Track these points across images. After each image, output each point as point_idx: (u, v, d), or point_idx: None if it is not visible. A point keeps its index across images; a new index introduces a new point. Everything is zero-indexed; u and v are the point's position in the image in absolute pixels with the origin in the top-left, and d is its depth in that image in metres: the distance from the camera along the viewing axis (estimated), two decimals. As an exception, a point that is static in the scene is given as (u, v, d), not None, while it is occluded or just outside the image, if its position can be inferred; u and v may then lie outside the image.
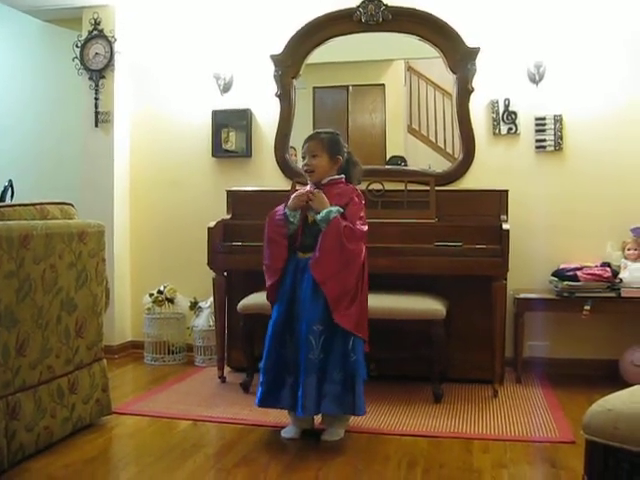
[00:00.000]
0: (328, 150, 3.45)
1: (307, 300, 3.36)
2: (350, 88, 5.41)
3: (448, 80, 5.01)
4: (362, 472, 3.06)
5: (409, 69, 5.28)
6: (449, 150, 5.12)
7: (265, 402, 3.47)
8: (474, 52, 4.81)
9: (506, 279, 4.27)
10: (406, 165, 5.14)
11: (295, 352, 3.37)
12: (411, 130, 5.28)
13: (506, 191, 4.61)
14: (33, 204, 3.37)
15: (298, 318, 3.39)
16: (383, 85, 5.36)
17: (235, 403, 4.05)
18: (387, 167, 5.11)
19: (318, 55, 5.15)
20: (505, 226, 4.27)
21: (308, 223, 3.46)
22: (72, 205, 3.66)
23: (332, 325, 3.33)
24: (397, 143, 5.31)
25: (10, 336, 3.00)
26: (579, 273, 4.43)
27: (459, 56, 4.85)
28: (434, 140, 5.21)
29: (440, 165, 5.05)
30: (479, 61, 4.84)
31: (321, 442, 3.40)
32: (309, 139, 3.51)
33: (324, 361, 3.33)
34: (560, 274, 4.52)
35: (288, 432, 3.50)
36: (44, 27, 5.91)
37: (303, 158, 3.51)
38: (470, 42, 4.82)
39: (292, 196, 3.48)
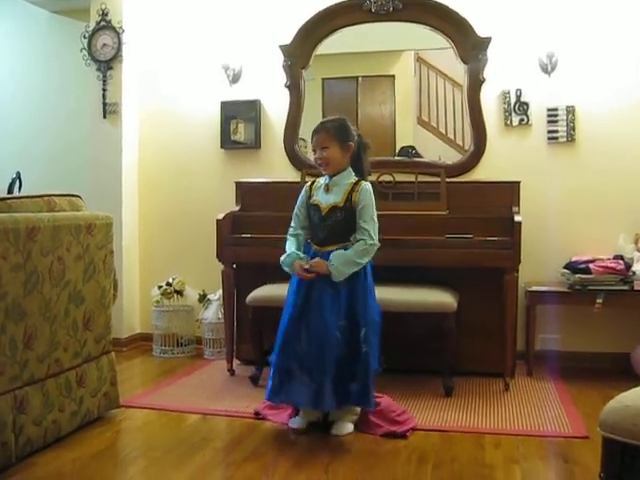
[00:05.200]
0: (338, 139, 3.39)
1: (327, 297, 3.33)
2: (359, 79, 5.36)
3: (458, 71, 4.96)
4: (372, 467, 3.02)
5: (419, 60, 5.23)
6: (459, 142, 5.07)
7: (276, 397, 3.44)
8: (485, 42, 4.76)
9: (518, 271, 4.23)
10: (417, 154, 5.08)
11: (309, 347, 3.33)
12: (421, 121, 5.23)
13: (518, 183, 4.57)
14: (40, 196, 3.34)
15: (316, 313, 3.34)
16: (393, 76, 5.32)
17: (244, 396, 4.02)
18: (397, 159, 5.06)
19: (327, 46, 5.11)
20: (517, 218, 4.22)
21: (321, 216, 3.42)
22: (80, 197, 3.63)
23: (351, 319, 3.32)
24: (407, 134, 5.26)
25: (18, 329, 2.98)
26: (591, 266, 4.38)
27: (470, 46, 4.79)
28: (444, 132, 5.16)
29: (450, 157, 5.00)
30: (490, 51, 4.78)
31: (331, 436, 3.38)
32: (316, 132, 3.46)
33: (347, 356, 3.31)
34: (572, 267, 4.47)
35: (295, 422, 3.47)
36: (52, 18, 5.89)
37: (314, 152, 3.46)
38: (481, 32, 4.76)
39: (293, 265, 3.41)
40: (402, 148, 5.16)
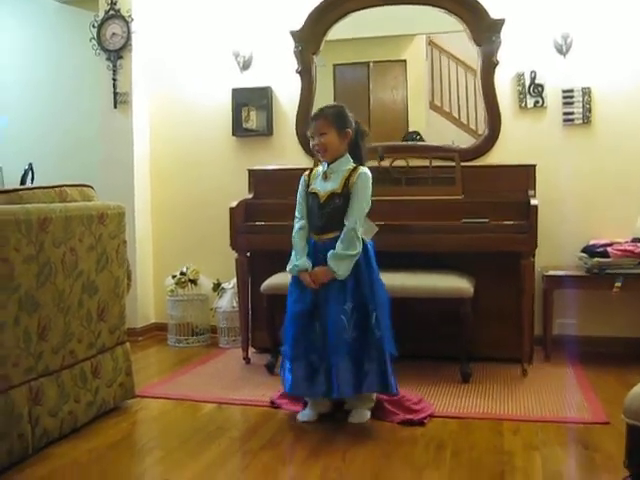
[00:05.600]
0: (336, 125, 3.37)
1: (334, 285, 3.31)
2: (371, 64, 5.31)
3: (471, 55, 4.89)
4: (389, 455, 3.00)
5: (430, 44, 5.17)
6: (472, 126, 5.01)
7: (297, 390, 3.42)
8: (499, 24, 4.69)
9: (534, 256, 4.18)
10: (422, 140, 5.03)
11: (323, 335, 3.31)
12: (433, 106, 5.17)
13: (534, 166, 4.52)
14: (52, 187, 3.32)
15: (325, 300, 3.33)
16: (404, 61, 5.26)
17: (260, 384, 4.01)
18: (411, 143, 5.01)
19: (338, 31, 5.06)
20: (533, 201, 4.17)
21: (320, 204, 3.39)
22: (92, 187, 3.62)
23: (361, 303, 3.29)
24: (419, 119, 5.21)
25: (31, 321, 2.97)
26: (609, 249, 4.33)
27: (483, 28, 4.72)
28: (457, 116, 5.10)
29: (464, 142, 4.94)
30: (504, 33, 4.70)
31: (347, 424, 3.35)
32: (314, 118, 3.44)
33: (358, 340, 3.28)
34: (590, 250, 4.42)
35: (305, 416, 3.44)
36: (61, 8, 5.87)
37: (312, 138, 3.43)
38: (495, 13, 4.69)
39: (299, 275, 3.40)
40: (407, 133, 5.11)
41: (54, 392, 3.12)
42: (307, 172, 3.56)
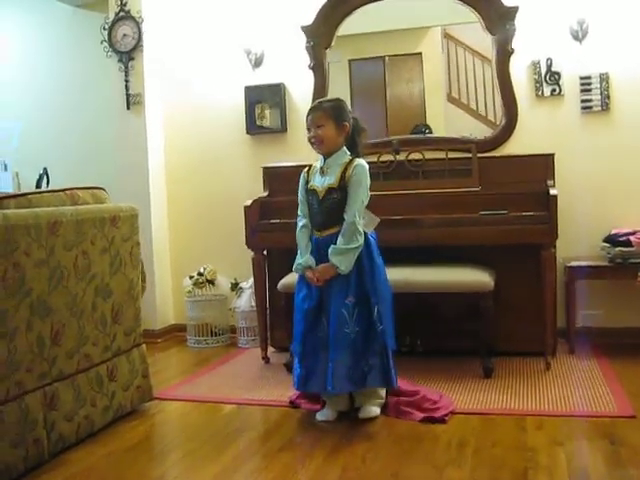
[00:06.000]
0: (333, 118, 3.34)
1: (338, 281, 3.27)
2: (386, 59, 5.25)
3: (486, 46, 4.81)
4: (410, 454, 2.94)
5: (446, 36, 5.10)
6: (491, 118, 4.93)
7: (307, 387, 3.39)
8: (512, 11, 4.60)
9: (555, 247, 4.10)
10: (431, 133, 4.97)
11: (328, 331, 3.29)
12: (451, 99, 5.10)
13: (552, 155, 4.43)
14: (62, 190, 3.30)
15: (328, 295, 3.30)
16: (420, 54, 5.20)
17: (279, 384, 3.97)
18: (427, 136, 4.94)
19: (352, 26, 5.01)
20: (552, 191, 4.09)
21: (319, 200, 3.35)
22: (104, 189, 3.58)
23: (363, 296, 3.26)
24: (437, 112, 5.14)
25: (44, 325, 2.95)
26: (632, 238, 4.24)
27: (497, 16, 4.64)
28: (475, 108, 5.02)
29: (483, 133, 4.85)
30: (518, 21, 4.62)
31: (367, 423, 3.30)
32: (312, 110, 3.41)
33: (361, 334, 3.25)
34: (612, 240, 4.33)
35: (323, 415, 3.40)
36: (72, 12, 5.86)
37: (309, 130, 3.40)
38: (508, 1, 4.61)
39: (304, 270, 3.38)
40: (416, 126, 5.05)
41: (70, 397, 3.09)
42: (306, 169, 3.52)
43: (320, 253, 3.33)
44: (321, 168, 3.40)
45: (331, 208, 3.30)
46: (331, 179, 3.33)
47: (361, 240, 3.27)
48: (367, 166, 3.37)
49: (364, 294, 3.28)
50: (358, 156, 3.40)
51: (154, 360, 4.50)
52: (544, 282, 4.05)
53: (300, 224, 3.45)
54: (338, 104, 3.41)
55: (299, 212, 3.47)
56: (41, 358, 2.94)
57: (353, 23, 5.01)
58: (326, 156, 3.39)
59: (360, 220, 3.28)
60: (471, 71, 5.04)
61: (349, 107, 3.48)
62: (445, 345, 4.36)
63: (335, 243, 3.26)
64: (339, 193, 3.30)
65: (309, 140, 3.42)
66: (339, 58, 5.15)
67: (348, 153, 3.38)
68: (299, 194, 3.49)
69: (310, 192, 3.41)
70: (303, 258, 3.37)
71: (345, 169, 3.31)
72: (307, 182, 3.45)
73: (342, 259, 3.24)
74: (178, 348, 5.12)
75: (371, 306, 3.27)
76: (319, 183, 3.37)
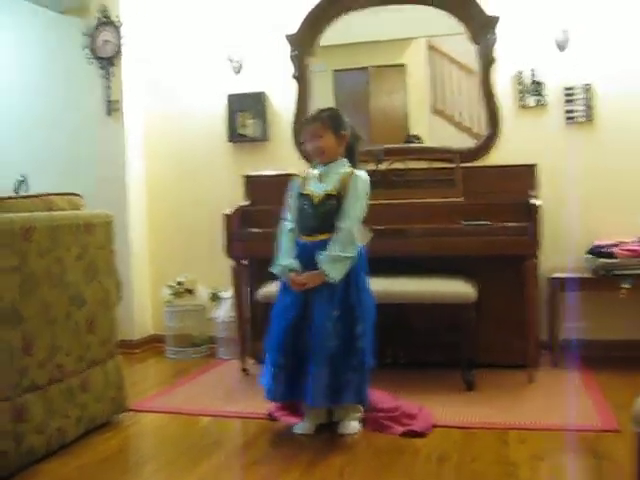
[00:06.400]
0: (332, 128, 3.30)
1: (323, 292, 3.21)
2: (370, 69, 5.23)
3: (471, 58, 4.79)
4: (389, 468, 2.87)
5: (430, 48, 5.09)
6: (476, 130, 4.89)
7: (286, 396, 3.34)
8: (494, 20, 4.59)
9: (537, 257, 4.06)
10: (422, 143, 4.94)
11: (309, 340, 3.22)
12: (436, 111, 5.08)
13: (535, 165, 4.41)
14: (37, 195, 3.25)
15: (312, 305, 3.23)
16: (404, 65, 5.18)
17: (257, 396, 3.83)
18: (410, 146, 4.92)
19: (336, 36, 4.98)
20: (535, 202, 4.05)
21: (313, 205, 3.30)
22: (79, 195, 3.51)
23: (347, 309, 3.21)
24: (421, 124, 5.11)
25: (15, 334, 2.87)
26: (615, 250, 4.21)
27: (479, 26, 4.63)
28: (460, 120, 5.00)
29: (468, 145, 4.82)
30: (502, 31, 4.61)
31: (345, 437, 3.24)
32: (311, 121, 3.39)
33: (340, 348, 3.19)
34: (595, 251, 4.30)
35: (300, 428, 3.34)
36: (53, 17, 5.77)
37: (306, 142, 3.38)
38: (491, 10, 4.60)
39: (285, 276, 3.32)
40: (407, 137, 5.02)
41: (40, 408, 3.00)
42: (301, 177, 3.47)
43: (306, 258, 3.26)
44: (319, 174, 3.35)
45: (327, 214, 3.24)
46: (330, 186, 3.28)
47: (356, 252, 3.22)
48: (368, 179, 3.33)
49: (349, 307, 3.23)
50: (356, 166, 3.36)
51: (132, 371, 4.42)
52: (526, 293, 4.01)
53: (287, 227, 3.38)
54: (336, 113, 3.38)
55: (287, 217, 3.42)
56: (11, 368, 2.85)
57: (337, 34, 4.98)
58: (324, 164, 3.35)
59: (357, 230, 3.24)
60: (456, 83, 5.03)
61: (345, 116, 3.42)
62: (426, 357, 4.31)
63: (324, 250, 3.20)
64: (336, 201, 3.25)
65: (309, 152, 3.38)
66: (324, 68, 5.13)
67: (348, 164, 3.35)
68: (290, 200, 3.43)
69: (303, 197, 3.35)
70: (287, 260, 3.30)
71: (345, 179, 3.27)
72: (301, 187, 3.39)
73: (334, 267, 3.17)
74: (156, 359, 5.03)
75: (354, 320, 3.22)
76: (316, 188, 3.32)
